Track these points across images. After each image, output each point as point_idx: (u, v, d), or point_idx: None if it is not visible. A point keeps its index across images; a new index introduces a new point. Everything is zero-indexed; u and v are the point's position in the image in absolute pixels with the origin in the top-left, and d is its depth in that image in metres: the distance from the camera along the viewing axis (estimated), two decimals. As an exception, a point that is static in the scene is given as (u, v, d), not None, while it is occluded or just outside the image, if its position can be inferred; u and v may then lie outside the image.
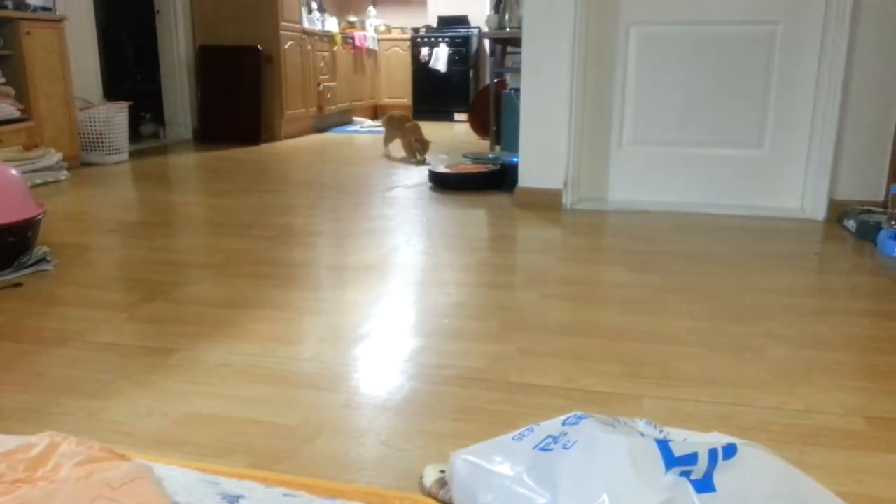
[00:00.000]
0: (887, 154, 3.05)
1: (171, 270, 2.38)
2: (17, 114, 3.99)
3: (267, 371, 1.59)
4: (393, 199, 3.61)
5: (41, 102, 4.14)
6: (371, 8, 8.56)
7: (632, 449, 0.90)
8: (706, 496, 0.88)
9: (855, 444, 1.29)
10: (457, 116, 8.08)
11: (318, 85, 6.76)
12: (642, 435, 0.99)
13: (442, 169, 4.11)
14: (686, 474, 0.89)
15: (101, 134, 4.64)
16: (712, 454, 0.94)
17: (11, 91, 4.00)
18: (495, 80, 5.36)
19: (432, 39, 8.14)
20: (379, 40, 8.40)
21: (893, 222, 2.66)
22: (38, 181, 3.86)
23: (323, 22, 7.34)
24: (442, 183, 3.97)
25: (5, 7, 3.98)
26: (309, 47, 6.49)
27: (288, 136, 6.22)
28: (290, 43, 6.04)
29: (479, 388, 1.51)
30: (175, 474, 1.09)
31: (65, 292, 2.16)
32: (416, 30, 8.30)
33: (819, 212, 3.14)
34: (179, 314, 1.96)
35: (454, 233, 2.93)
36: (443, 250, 2.66)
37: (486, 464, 1.00)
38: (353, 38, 7.69)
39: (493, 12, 5.26)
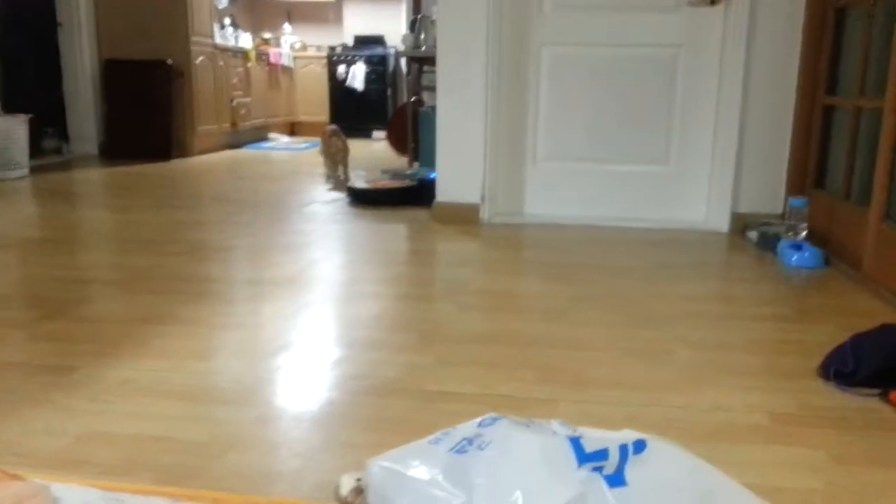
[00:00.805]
0: (784, 169, 3.23)
1: (73, 288, 2.27)
2: None
3: (174, 387, 1.53)
4: (310, 215, 3.56)
5: (-69, 114, 3.90)
6: (286, 25, 8.49)
7: (544, 446, 0.91)
8: (618, 490, 0.89)
9: (759, 438, 1.34)
10: (375, 134, 8.08)
11: (232, 101, 6.64)
12: (555, 433, 1.00)
13: (360, 185, 4.09)
14: (598, 470, 0.90)
15: (-2, 148, 4.41)
16: (623, 449, 0.96)
17: None
18: (413, 99, 5.39)
19: (349, 58, 8.13)
20: (295, 57, 8.33)
21: (791, 233, 2.81)
22: (-74, 197, 3.62)
23: (237, 38, 7.23)
24: (360, 198, 3.95)
25: None
26: (222, 63, 6.37)
27: (200, 152, 6.07)
28: (201, 58, 5.92)
29: (397, 398, 1.50)
30: (73, 493, 1.03)
31: (-45, 312, 2.03)
32: (332, 48, 8.28)
33: (723, 224, 3.28)
34: (82, 332, 1.87)
35: (373, 247, 2.92)
36: (361, 264, 2.64)
37: (402, 469, 0.99)
38: (267, 55, 7.60)
39: (408, 31, 5.30)
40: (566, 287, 2.35)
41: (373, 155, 6.55)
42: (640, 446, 0.98)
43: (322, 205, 3.85)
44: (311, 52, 8.47)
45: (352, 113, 8.11)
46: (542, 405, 1.46)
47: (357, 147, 7.07)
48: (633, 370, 1.66)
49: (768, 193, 3.27)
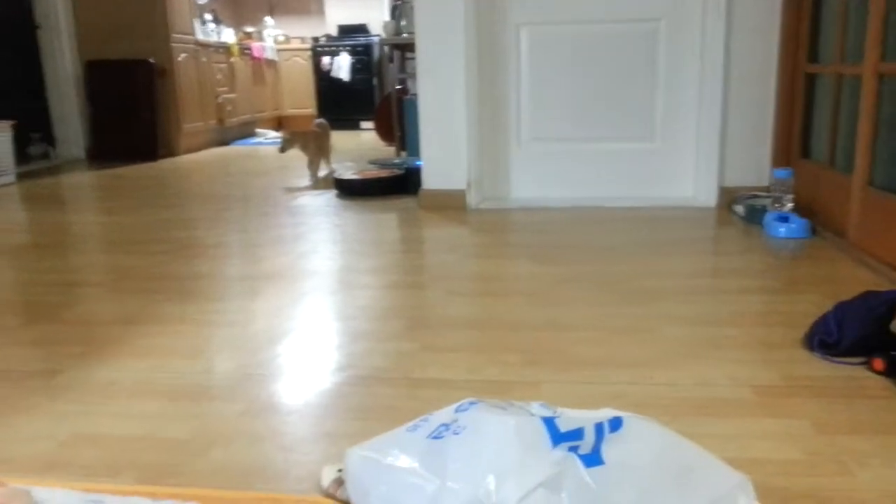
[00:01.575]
0: (769, 140, 3.22)
1: (58, 291, 2.26)
2: None
3: (157, 386, 1.53)
4: (299, 208, 3.55)
5: (-88, 124, 3.88)
6: (268, 18, 8.43)
7: (518, 428, 0.91)
8: (594, 469, 0.89)
9: (742, 412, 1.34)
10: (363, 124, 8.05)
11: (217, 97, 6.60)
12: (532, 416, 1.00)
13: (348, 176, 4.08)
14: (574, 449, 0.91)
15: (-18, 155, 4.38)
16: (598, 428, 0.96)
17: None
18: (397, 87, 5.37)
19: (333, 48, 8.09)
20: (278, 50, 8.28)
21: (777, 205, 2.80)
22: (-89, 208, 3.60)
23: (218, 33, 7.18)
24: (348, 190, 3.94)
25: None
26: (204, 59, 6.33)
27: (187, 151, 6.04)
28: (183, 55, 5.88)
29: (382, 386, 1.50)
30: (55, 496, 1.03)
31: (-60, 321, 2.02)
32: (315, 39, 8.23)
33: (710, 199, 3.28)
34: (66, 335, 1.86)
35: (361, 237, 2.91)
36: (350, 255, 2.64)
37: (380, 457, 0.99)
38: (250, 49, 7.55)
39: (390, 18, 5.27)
40: (553, 268, 2.35)
41: (362, 146, 6.53)
42: (615, 424, 0.98)
43: (311, 198, 3.84)
44: (294, 44, 8.42)
45: (338, 104, 8.08)
46: (527, 387, 1.47)
47: (344, 138, 7.05)
48: (619, 348, 1.66)
49: (755, 166, 3.26)
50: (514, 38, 3.34)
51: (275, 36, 8.35)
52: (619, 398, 1.40)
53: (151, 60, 5.58)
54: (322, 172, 4.55)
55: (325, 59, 8.05)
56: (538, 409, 1.08)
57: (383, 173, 4.09)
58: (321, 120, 4.87)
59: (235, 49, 7.10)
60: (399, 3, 5.04)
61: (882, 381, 1.44)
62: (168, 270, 2.47)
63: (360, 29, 8.18)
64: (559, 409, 1.10)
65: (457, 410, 1.01)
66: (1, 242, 2.98)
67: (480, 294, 2.13)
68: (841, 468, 1.14)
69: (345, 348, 1.72)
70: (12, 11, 5.52)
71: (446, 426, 0.98)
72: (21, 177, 4.73)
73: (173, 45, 5.70)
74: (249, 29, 8.17)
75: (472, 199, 3.40)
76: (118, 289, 2.26)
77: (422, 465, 0.92)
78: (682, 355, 1.60)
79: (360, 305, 2.06)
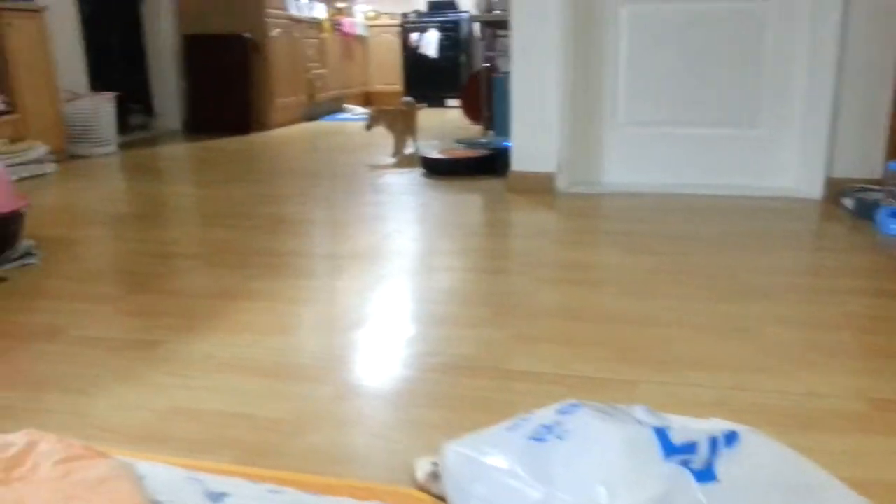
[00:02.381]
0: (884, 130, 3.02)
1: (157, 262, 2.34)
2: (1, 107, 3.92)
3: (254, 363, 1.55)
4: (385, 186, 3.56)
5: (26, 95, 4.07)
6: (360, -7, 8.46)
7: (629, 438, 0.87)
8: (707, 486, 0.84)
9: (858, 427, 1.25)
10: (449, 102, 8.01)
11: (308, 73, 6.68)
12: (639, 423, 0.95)
13: (434, 154, 4.06)
14: (686, 464, 0.86)
15: (88, 126, 4.57)
16: (713, 442, 0.91)
17: (-6, 83, 3.93)
18: (486, 65, 5.30)
19: (422, 25, 8.06)
20: (368, 26, 8.31)
21: (891, 199, 2.63)
22: (24, 174, 3.79)
23: (311, 8, 7.25)
24: (434, 169, 3.92)
25: (-16, -2, 3.91)
26: (297, 34, 6.41)
27: (278, 125, 6.15)
28: (277, 30, 5.97)
29: (470, 376, 1.48)
30: (157, 472, 1.06)
31: (50, 286, 2.12)
32: (405, 15, 8.21)
33: (815, 190, 3.10)
34: (166, 306, 1.92)
35: (447, 219, 2.89)
36: (435, 236, 2.62)
37: (479, 455, 0.96)
38: (341, 25, 7.60)
39: (482, -5, 5.20)
40: (647, 259, 2.27)
41: (448, 124, 6.50)
42: (731, 439, 0.92)
43: (396, 175, 3.85)
44: (384, 19, 8.43)
45: (425, 81, 8.05)
46: (623, 386, 1.41)
47: (430, 116, 7.03)
48: (720, 349, 1.58)
49: (866, 157, 3.06)
50: (613, 16, 3.23)
51: (365, 12, 8.38)
52: (721, 405, 1.33)
53: (247, 35, 5.68)
54: (408, 150, 4.55)
55: (414, 36, 8.03)
56: (642, 415, 1.04)
57: (471, 153, 4.05)
58: (408, 98, 4.86)
59: (327, 25, 7.16)
60: (492, -21, 4.95)
61: None
62: (260, 245, 2.51)
63: (450, 5, 8.11)
64: (663, 416, 1.06)
65: (559, 412, 0.98)
66: (105, 211, 3.11)
67: (570, 282, 2.08)
68: (973, 497, 1.05)
69: (431, 333, 1.71)
70: (118, -14, 5.71)
71: (548, 428, 0.95)
72: (121, 146, 4.92)
73: (268, 20, 5.79)
74: (341, 5, 8.22)
75: (561, 183, 3.33)
76: (213, 262, 2.32)
77: (523, 468, 0.89)
78: (789, 361, 1.52)
79: (445, 289, 2.04)
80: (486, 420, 1.29)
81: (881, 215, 2.59)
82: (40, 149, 3.98)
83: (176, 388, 1.44)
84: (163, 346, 1.64)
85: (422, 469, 1.10)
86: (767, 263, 2.21)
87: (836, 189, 3.03)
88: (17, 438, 1.11)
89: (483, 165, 3.83)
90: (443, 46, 8.00)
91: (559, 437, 0.91)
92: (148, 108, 5.92)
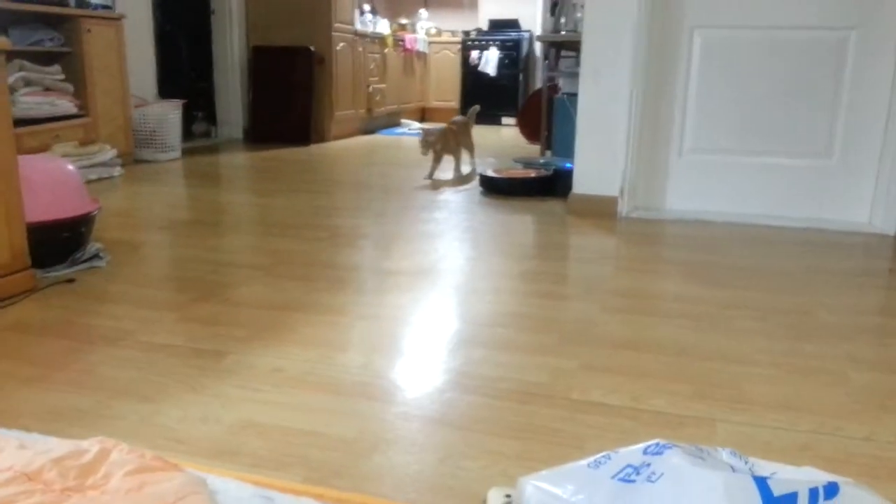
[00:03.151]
0: (967, 167, 2.89)
1: (221, 270, 2.36)
2: (74, 110, 4.04)
3: (320, 378, 1.54)
4: (442, 203, 3.55)
5: (98, 99, 4.19)
6: (422, 10, 8.54)
7: (727, 486, 0.82)
8: (809, 541, 0.79)
9: (956, 482, 1.18)
10: (504, 120, 8.00)
11: (368, 86, 6.75)
12: (733, 469, 0.90)
13: (495, 174, 4.03)
14: (787, 516, 0.81)
15: (154, 131, 4.68)
16: (813, 494, 0.86)
17: (70, 88, 4.05)
18: (549, 84, 5.27)
19: (483, 43, 8.08)
20: (429, 43, 8.37)
21: (975, 240, 2.51)
22: (92, 177, 3.89)
23: (375, 24, 7.34)
24: (492, 187, 3.89)
25: (67, 4, 4.04)
26: (360, 49, 6.49)
27: (337, 138, 6.22)
28: (342, 44, 6.04)
29: (541, 405, 1.44)
30: (229, 488, 1.04)
31: (116, 290, 2.15)
32: (466, 33, 8.25)
33: (890, 226, 2.99)
34: (231, 316, 1.92)
35: (506, 239, 2.86)
36: (495, 257, 2.59)
37: (561, 492, 0.93)
38: (403, 41, 7.67)
39: (549, 15, 5.18)
40: (716, 291, 2.20)
41: (504, 142, 6.48)
42: (831, 491, 0.87)
43: (454, 193, 3.83)
44: (445, 37, 8.49)
45: (482, 99, 8.05)
46: (700, 424, 1.36)
47: (486, 133, 7.04)
48: (800, 390, 1.51)
49: (947, 194, 2.94)
50: (686, 41, 3.17)
51: (427, 28, 8.44)
52: (806, 450, 1.27)
53: (312, 48, 5.77)
54: (466, 169, 4.53)
55: (474, 54, 8.06)
56: (730, 459, 0.99)
57: (531, 173, 4.02)
58: (460, 116, 4.79)
59: (390, 40, 7.23)
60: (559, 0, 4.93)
61: None
62: (322, 258, 2.51)
63: (511, 24, 8.12)
64: (751, 460, 1.00)
65: (646, 452, 0.93)
66: (168, 217, 3.16)
67: (638, 312, 2.02)
68: None
69: (497, 358, 1.67)
70: (192, -3, 5.87)
71: (635, 469, 0.91)
72: (185, 153, 5.02)
73: (334, 34, 5.87)
74: (404, 21, 8.31)
75: (623, 208, 3.27)
76: (277, 273, 2.33)
77: (610, 511, 0.85)
78: (875, 407, 1.44)
79: (509, 312, 2.00)
80: (557, 452, 1.25)
81: (966, 256, 2.47)
82: (109, 152, 4.08)
83: (244, 401, 1.43)
84: (229, 357, 1.64)
85: (494, 501, 1.07)
86: (843, 301, 2.12)
87: (914, 226, 2.92)
88: (90, 446, 1.11)
89: (544, 186, 3.80)
90: (502, 64, 8.01)
91: (649, 480, 0.87)
92: (210, 116, 6.04)
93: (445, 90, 8.41)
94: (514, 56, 8.00)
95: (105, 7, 4.39)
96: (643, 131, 3.23)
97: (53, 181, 2.34)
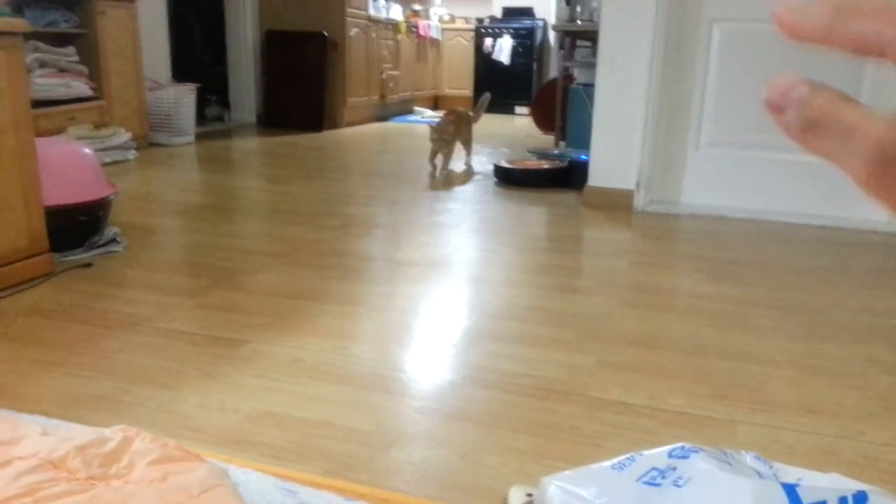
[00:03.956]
0: None
1: (237, 257, 2.35)
2: (89, 92, 4.03)
3: (338, 369, 1.54)
4: (456, 193, 3.54)
5: (112, 82, 4.18)
6: (436, -3, 8.48)
7: (756, 493, 0.81)
8: (838, 551, 0.79)
9: (979, 490, 1.17)
10: (517, 110, 7.96)
11: (381, 73, 6.72)
12: (760, 475, 0.90)
13: (509, 164, 4.01)
14: (816, 525, 0.80)
15: (168, 115, 4.67)
16: (842, 502, 0.85)
17: (85, 70, 4.04)
18: (564, 74, 5.23)
19: (496, 30, 8.03)
20: (442, 30, 8.32)
21: None
22: (107, 160, 3.89)
23: (388, 10, 7.29)
24: (506, 178, 3.87)
25: (82, -14, 4.03)
26: (374, 35, 6.45)
27: (349, 124, 6.19)
28: (355, 30, 6.01)
29: (560, 402, 1.43)
30: (250, 479, 1.04)
31: (133, 275, 2.15)
32: (480, 20, 8.20)
33: (910, 225, 2.96)
34: (247, 303, 1.92)
35: (521, 231, 2.85)
36: (511, 249, 2.58)
37: (585, 493, 0.92)
38: (417, 27, 7.63)
39: (563, 4, 5.14)
40: (735, 288, 2.19)
41: (517, 132, 6.45)
42: (860, 500, 0.86)
43: (467, 183, 3.82)
44: (458, 24, 8.43)
45: (495, 87, 8.00)
46: (721, 426, 1.35)
47: (499, 123, 7.00)
48: (821, 392, 1.50)
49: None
50: (705, 34, 3.14)
51: (440, 15, 8.39)
52: (828, 454, 1.26)
53: (326, 34, 5.74)
54: (459, 166, 4.14)
55: (488, 41, 8.01)
56: (755, 464, 0.98)
57: (545, 164, 4.00)
58: (462, 108, 4.44)
59: (403, 26, 7.19)
60: (576, -11, 4.89)
61: None
62: (338, 247, 2.51)
63: (526, 12, 8.06)
64: (775, 465, 1.00)
65: (671, 455, 0.93)
66: (183, 202, 3.16)
67: (656, 308, 2.01)
68: None
69: (516, 353, 1.67)
70: (205, -20, 5.84)
71: (661, 473, 0.90)
72: (198, 137, 5.02)
73: (347, 19, 5.83)
74: (417, 7, 8.25)
75: (638, 201, 3.25)
76: (293, 261, 2.32)
77: (637, 515, 0.85)
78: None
79: (526, 306, 2.00)
80: (577, 451, 1.25)
81: None
82: (123, 135, 4.07)
83: (263, 390, 1.43)
84: (247, 346, 1.64)
85: (515, 500, 1.07)
86: (864, 302, 2.10)
87: (933, 226, 2.89)
88: (112, 434, 1.11)
89: (558, 178, 3.78)
90: (515, 53, 7.95)
91: (676, 484, 0.86)
92: (224, 101, 6.03)
93: (458, 78, 8.37)
94: (527, 44, 7.94)
95: (120, -11, 4.37)
96: (660, 124, 3.20)
97: (71, 164, 2.34)
